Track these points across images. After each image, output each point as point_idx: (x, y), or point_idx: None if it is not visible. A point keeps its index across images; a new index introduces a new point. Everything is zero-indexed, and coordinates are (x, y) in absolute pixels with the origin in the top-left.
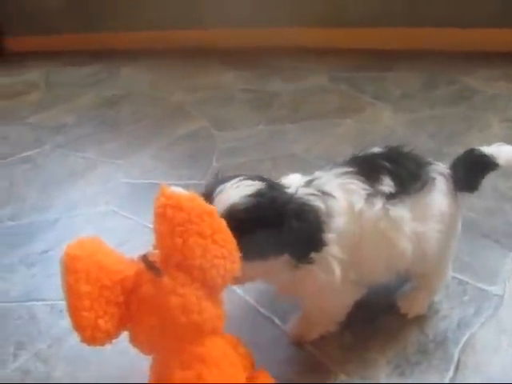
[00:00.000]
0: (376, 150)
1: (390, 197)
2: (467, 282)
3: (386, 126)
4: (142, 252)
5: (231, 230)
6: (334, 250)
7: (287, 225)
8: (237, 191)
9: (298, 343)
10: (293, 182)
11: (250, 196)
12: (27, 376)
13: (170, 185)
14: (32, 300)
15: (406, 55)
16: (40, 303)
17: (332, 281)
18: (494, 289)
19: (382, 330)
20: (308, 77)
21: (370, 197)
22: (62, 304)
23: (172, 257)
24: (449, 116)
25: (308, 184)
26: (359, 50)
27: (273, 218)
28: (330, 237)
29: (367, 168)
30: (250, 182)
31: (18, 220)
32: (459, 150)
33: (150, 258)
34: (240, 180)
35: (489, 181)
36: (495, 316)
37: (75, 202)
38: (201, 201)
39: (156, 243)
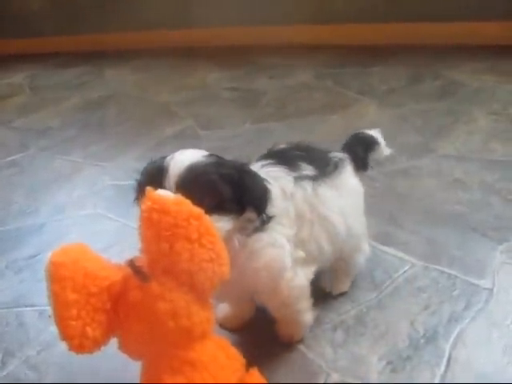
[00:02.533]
0: (283, 146)
1: (313, 178)
2: (456, 276)
3: (372, 121)
4: (129, 255)
5: (193, 187)
6: (277, 227)
7: (248, 181)
8: (191, 154)
9: (290, 343)
10: None
11: (207, 156)
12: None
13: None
14: (20, 306)
15: (391, 50)
16: (28, 309)
17: (283, 254)
18: (484, 282)
19: (372, 326)
20: (294, 74)
21: (297, 180)
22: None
23: (159, 262)
24: (434, 110)
25: None
26: (344, 46)
27: (233, 175)
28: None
29: (284, 158)
30: (197, 150)
31: (4, 225)
32: (446, 145)
33: (137, 263)
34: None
35: (476, 175)
36: (485, 310)
37: (62, 206)
38: (188, 204)
39: (142, 248)
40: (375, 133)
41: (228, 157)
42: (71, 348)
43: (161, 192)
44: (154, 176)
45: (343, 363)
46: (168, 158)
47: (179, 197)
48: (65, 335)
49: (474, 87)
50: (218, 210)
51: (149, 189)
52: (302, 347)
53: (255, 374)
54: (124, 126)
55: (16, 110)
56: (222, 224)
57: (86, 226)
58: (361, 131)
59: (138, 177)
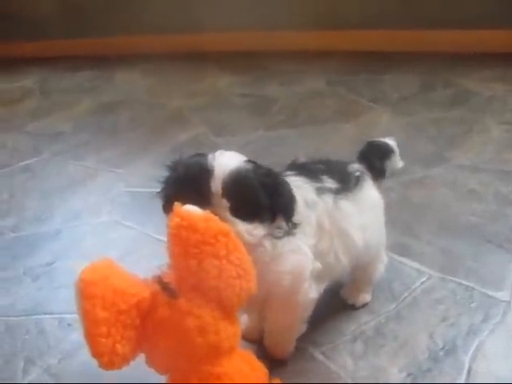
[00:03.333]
0: (304, 160)
1: (335, 192)
2: (473, 288)
3: (385, 129)
4: (146, 263)
5: (239, 193)
6: (301, 235)
7: (282, 190)
8: (233, 158)
9: (282, 358)
10: None
11: (246, 161)
12: None
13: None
14: (39, 313)
15: (402, 57)
16: (48, 316)
17: (306, 261)
18: (501, 294)
19: (391, 337)
20: (305, 80)
21: (319, 191)
22: (71, 317)
23: (187, 278)
24: (447, 119)
25: None
26: (355, 53)
27: (271, 184)
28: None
29: (306, 171)
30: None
31: (20, 231)
32: (460, 154)
33: (165, 279)
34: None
35: (490, 185)
36: (503, 322)
37: (77, 212)
38: (216, 220)
39: (170, 264)
40: (390, 141)
41: None
42: (101, 365)
43: (189, 208)
44: (197, 176)
45: (364, 374)
46: (209, 158)
47: (207, 213)
48: (95, 353)
49: (485, 96)
50: (255, 217)
51: (176, 204)
52: (322, 358)
53: None
54: (137, 131)
55: (28, 114)
56: (256, 231)
57: (102, 233)
58: (376, 139)
59: (162, 183)
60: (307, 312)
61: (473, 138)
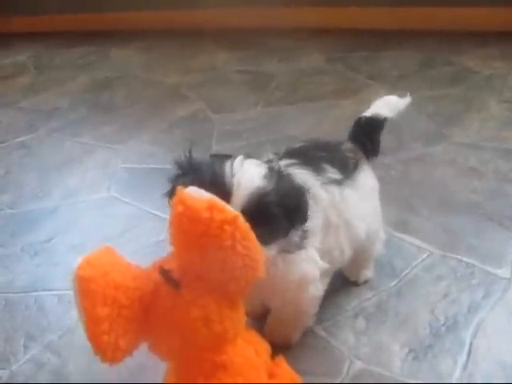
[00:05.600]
0: (296, 144)
1: (339, 182)
2: (474, 265)
3: None
4: (145, 240)
5: (258, 217)
6: (312, 239)
7: (303, 207)
8: (254, 173)
9: (285, 344)
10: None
11: (269, 177)
12: (40, 368)
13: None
14: (38, 290)
15: (402, 35)
16: (47, 293)
17: (315, 269)
18: (502, 272)
19: (392, 314)
20: (304, 57)
21: (324, 185)
22: (70, 294)
23: (190, 268)
24: (446, 97)
25: None
26: (355, 30)
27: (292, 205)
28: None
29: (307, 159)
30: (253, 161)
31: (17, 208)
32: (460, 132)
33: (167, 267)
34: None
35: (490, 163)
36: (504, 299)
37: (75, 189)
38: (221, 209)
39: (173, 252)
40: (376, 108)
41: (241, 142)
42: (104, 360)
43: (192, 192)
44: (214, 188)
45: (366, 350)
46: (227, 172)
47: (212, 201)
48: (98, 349)
49: (485, 74)
50: (272, 241)
51: (180, 188)
52: (324, 334)
53: (282, 364)
54: (134, 107)
55: (22, 90)
56: (271, 252)
57: (100, 209)
58: (362, 115)
59: (172, 182)
60: (316, 305)
61: (473, 115)
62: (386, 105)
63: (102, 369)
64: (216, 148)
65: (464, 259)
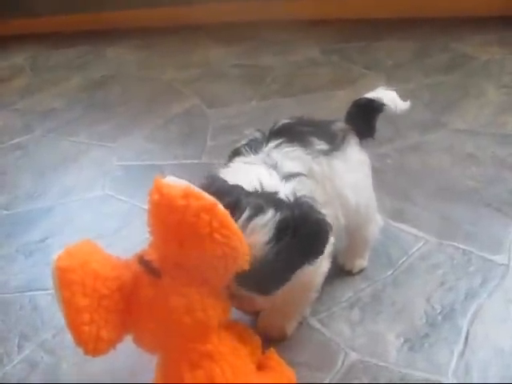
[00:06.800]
0: (283, 121)
1: (326, 153)
2: (471, 252)
3: None
4: (140, 237)
5: (268, 271)
6: None
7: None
8: (266, 221)
9: (281, 337)
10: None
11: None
12: (34, 368)
13: (164, 172)
14: (33, 290)
15: (396, 24)
16: (42, 292)
17: (323, 275)
18: (499, 258)
19: (388, 303)
20: (299, 50)
21: (314, 158)
22: None
23: (169, 257)
24: (443, 84)
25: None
26: (349, 21)
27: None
28: None
29: (294, 135)
30: (262, 218)
31: (12, 209)
32: (457, 119)
33: (147, 258)
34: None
35: (488, 149)
36: (502, 286)
37: (70, 188)
38: (198, 197)
39: (152, 242)
40: (378, 93)
41: (236, 136)
42: (86, 352)
43: (170, 181)
44: None
45: (361, 341)
46: (242, 215)
47: (188, 189)
48: (79, 341)
49: (482, 60)
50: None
51: (157, 177)
52: (319, 326)
53: (274, 357)
54: (129, 105)
55: (18, 91)
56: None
57: (96, 207)
58: (362, 97)
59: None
60: (319, 286)
61: (470, 102)
62: (389, 96)
63: (95, 368)
64: (210, 143)
65: (461, 246)
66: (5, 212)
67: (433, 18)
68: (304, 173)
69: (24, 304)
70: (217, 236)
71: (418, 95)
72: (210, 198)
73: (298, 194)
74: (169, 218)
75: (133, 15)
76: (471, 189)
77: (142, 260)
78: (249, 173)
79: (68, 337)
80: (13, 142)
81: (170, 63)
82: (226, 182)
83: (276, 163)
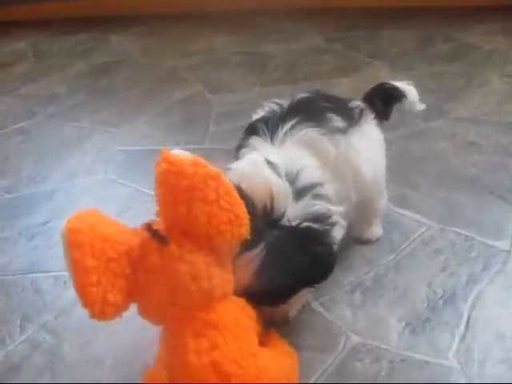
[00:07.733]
0: (301, 95)
1: (344, 130)
2: (473, 238)
3: None
4: (143, 220)
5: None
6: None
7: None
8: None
9: (284, 321)
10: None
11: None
12: (36, 348)
13: (170, 149)
14: (35, 272)
15: (399, 13)
16: (43, 275)
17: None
18: (501, 244)
19: (390, 288)
20: (302, 38)
21: (329, 135)
22: (66, 275)
23: (177, 225)
24: (447, 73)
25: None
26: (353, 9)
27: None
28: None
29: (311, 112)
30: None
31: (15, 192)
32: (460, 107)
33: (154, 227)
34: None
35: (491, 137)
36: (503, 271)
37: (72, 172)
38: (205, 165)
39: (159, 211)
40: (403, 85)
41: (239, 123)
42: (93, 315)
43: (176, 152)
44: None
45: (363, 325)
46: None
47: (196, 158)
48: (86, 302)
49: (486, 49)
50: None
51: (164, 150)
52: (320, 309)
53: (275, 336)
54: (131, 91)
55: (21, 77)
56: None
57: (98, 191)
58: (387, 82)
59: None
60: None
61: (473, 90)
62: (412, 92)
63: (98, 348)
64: (213, 129)
65: (463, 232)
66: (7, 195)
67: (436, 7)
68: (320, 182)
69: (26, 286)
70: (223, 202)
71: (421, 83)
72: (215, 168)
73: (306, 216)
74: (178, 184)
75: (137, 2)
76: (474, 176)
77: (149, 228)
78: (262, 185)
79: (70, 318)
80: (15, 126)
81: (174, 50)
82: None
83: (293, 172)
